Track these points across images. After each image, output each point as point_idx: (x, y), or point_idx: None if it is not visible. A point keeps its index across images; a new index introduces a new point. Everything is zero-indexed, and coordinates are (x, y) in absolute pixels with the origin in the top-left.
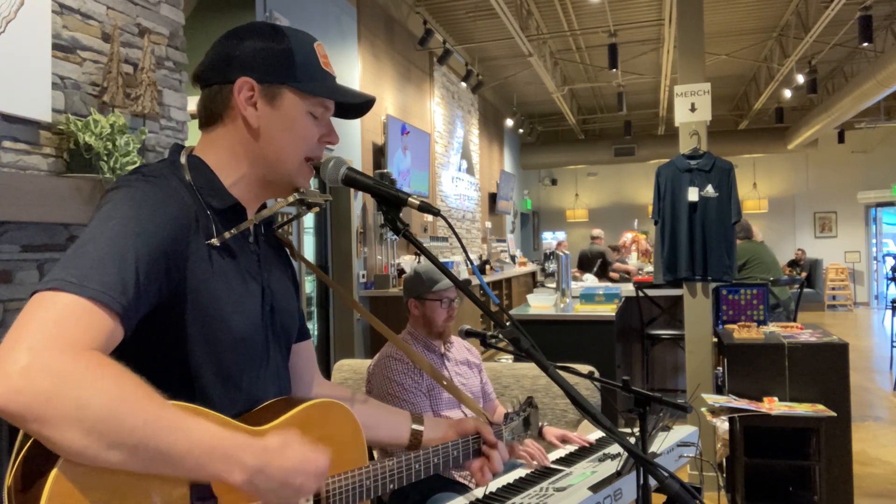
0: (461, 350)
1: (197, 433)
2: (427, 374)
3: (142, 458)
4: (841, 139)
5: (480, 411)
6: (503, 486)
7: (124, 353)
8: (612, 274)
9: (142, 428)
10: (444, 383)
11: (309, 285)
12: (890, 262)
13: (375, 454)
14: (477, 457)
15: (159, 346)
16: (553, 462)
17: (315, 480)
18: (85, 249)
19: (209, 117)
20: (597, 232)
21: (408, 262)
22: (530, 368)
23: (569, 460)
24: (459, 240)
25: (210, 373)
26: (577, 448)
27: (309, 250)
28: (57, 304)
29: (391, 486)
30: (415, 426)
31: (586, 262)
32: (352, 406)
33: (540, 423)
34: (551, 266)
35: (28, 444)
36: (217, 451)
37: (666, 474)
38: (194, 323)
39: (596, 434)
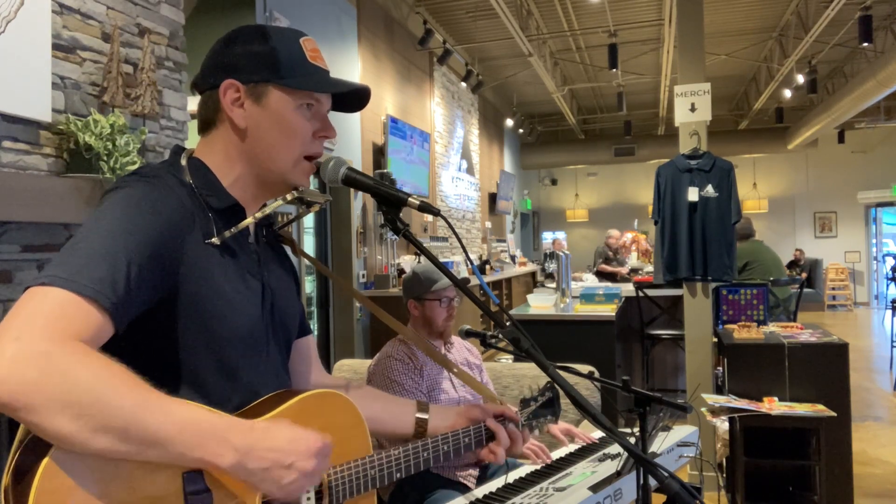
0: (461, 350)
1: (183, 416)
2: (435, 361)
3: (129, 443)
4: (841, 139)
5: (494, 397)
6: (503, 486)
7: (125, 350)
8: (601, 267)
9: (129, 411)
10: (455, 371)
11: (309, 285)
12: (890, 262)
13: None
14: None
15: (160, 344)
16: (553, 462)
17: (310, 459)
18: (77, 247)
19: (204, 122)
20: (610, 232)
21: (408, 262)
22: (530, 368)
23: (569, 460)
24: (459, 240)
25: (210, 369)
26: (577, 448)
27: (309, 250)
28: (46, 298)
29: (398, 475)
30: (419, 415)
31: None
32: (353, 398)
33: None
34: (551, 266)
35: (24, 442)
36: (205, 433)
37: (666, 474)
38: (194, 320)
39: (596, 434)
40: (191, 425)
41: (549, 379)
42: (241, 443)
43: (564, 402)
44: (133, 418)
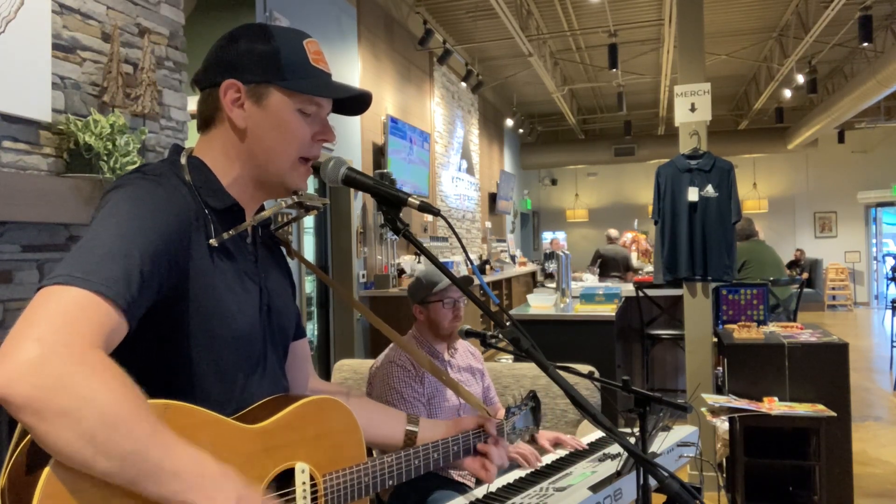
0: (465, 356)
1: (185, 457)
2: (426, 370)
3: (128, 471)
4: (841, 139)
5: (482, 407)
6: (503, 486)
7: (124, 348)
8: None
9: (135, 441)
10: (444, 378)
11: (309, 285)
12: (890, 262)
13: (374, 453)
14: (476, 453)
15: (158, 342)
16: (553, 462)
17: None
18: (90, 246)
19: (203, 120)
20: (615, 233)
21: (408, 262)
22: (530, 368)
23: (569, 460)
24: (459, 240)
25: (208, 370)
26: (574, 450)
27: (309, 250)
28: (64, 297)
29: (390, 482)
30: (409, 427)
31: (611, 264)
32: (347, 404)
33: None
34: (551, 266)
35: (22, 444)
36: (205, 477)
37: (666, 474)
38: (193, 320)
39: (595, 435)
40: (190, 467)
41: (531, 390)
42: (235, 493)
43: (565, 401)
44: (137, 449)
